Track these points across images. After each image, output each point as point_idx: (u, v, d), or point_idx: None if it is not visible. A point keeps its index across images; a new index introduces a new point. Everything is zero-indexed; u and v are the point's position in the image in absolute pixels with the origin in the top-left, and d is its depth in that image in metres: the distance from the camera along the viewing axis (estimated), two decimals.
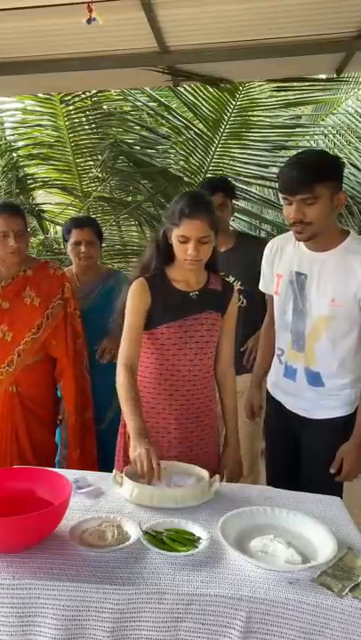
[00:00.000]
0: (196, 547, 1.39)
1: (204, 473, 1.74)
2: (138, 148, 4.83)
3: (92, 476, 1.79)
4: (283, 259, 2.08)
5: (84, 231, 2.78)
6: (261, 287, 2.22)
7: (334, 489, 1.94)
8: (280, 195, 1.92)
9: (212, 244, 1.91)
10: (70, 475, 1.69)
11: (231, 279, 2.62)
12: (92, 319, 2.78)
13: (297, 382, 2.04)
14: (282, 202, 1.93)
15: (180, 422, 1.98)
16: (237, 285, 2.67)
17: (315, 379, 2.00)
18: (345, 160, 4.75)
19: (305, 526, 1.51)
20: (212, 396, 2.06)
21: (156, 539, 1.41)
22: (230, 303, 2.04)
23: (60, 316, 2.32)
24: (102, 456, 2.88)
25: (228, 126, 4.55)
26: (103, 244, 4.98)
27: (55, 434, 2.36)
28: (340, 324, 1.92)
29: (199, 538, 1.42)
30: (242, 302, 2.63)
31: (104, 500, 1.65)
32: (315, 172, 1.80)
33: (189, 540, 1.42)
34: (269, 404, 2.24)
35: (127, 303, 1.98)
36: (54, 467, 2.26)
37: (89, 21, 2.14)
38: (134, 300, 1.96)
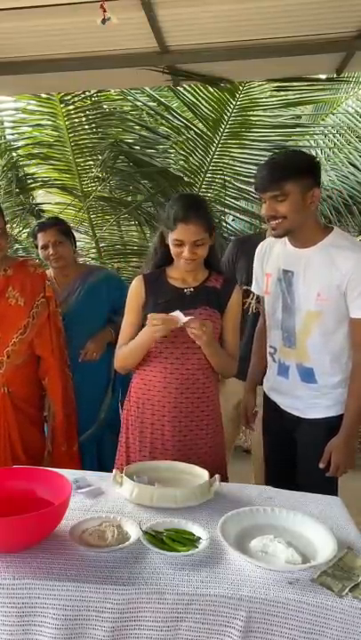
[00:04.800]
0: (196, 547, 1.39)
1: (204, 473, 1.74)
2: (138, 147, 4.83)
3: (92, 476, 1.79)
4: (271, 258, 2.13)
5: (48, 233, 2.74)
6: (254, 289, 2.27)
7: (329, 487, 1.95)
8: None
9: (208, 245, 1.96)
10: (70, 475, 1.69)
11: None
12: (74, 320, 2.74)
13: (290, 379, 2.06)
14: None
15: (176, 419, 1.98)
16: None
17: (308, 375, 2.02)
18: (345, 160, 4.77)
19: (305, 526, 1.51)
20: (211, 392, 2.04)
21: (156, 539, 1.41)
22: (231, 299, 2.04)
23: (44, 315, 2.31)
24: (102, 456, 2.90)
25: (228, 126, 4.55)
26: (103, 244, 5.04)
27: (44, 431, 2.36)
28: (329, 319, 1.95)
29: (199, 538, 1.43)
30: (256, 309, 2.59)
31: (104, 500, 1.65)
32: (283, 170, 1.89)
33: (189, 540, 1.42)
34: (267, 405, 2.25)
35: (127, 299, 2.07)
36: (42, 465, 2.27)
37: (104, 21, 2.14)
38: (130, 297, 2.06)
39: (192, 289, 2.01)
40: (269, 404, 2.21)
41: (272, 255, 2.14)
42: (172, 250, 1.95)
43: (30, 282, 2.30)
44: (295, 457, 2.10)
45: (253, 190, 4.77)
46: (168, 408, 1.98)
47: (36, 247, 2.82)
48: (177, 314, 1.86)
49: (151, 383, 2.01)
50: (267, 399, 2.24)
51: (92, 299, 2.81)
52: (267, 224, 2.02)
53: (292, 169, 1.89)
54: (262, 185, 1.91)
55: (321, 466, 1.97)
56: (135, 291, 2.04)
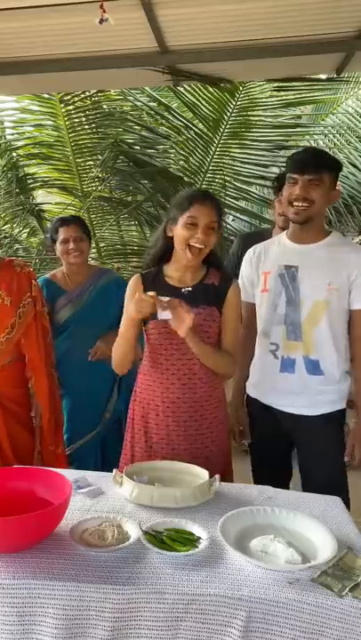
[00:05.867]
0: (196, 547, 1.39)
1: (204, 473, 1.74)
2: (138, 147, 4.83)
3: (92, 476, 1.79)
4: (268, 258, 2.17)
5: (71, 228, 2.78)
6: (244, 298, 2.17)
7: (338, 484, 1.98)
8: (287, 177, 2.04)
9: (215, 239, 1.96)
10: (70, 475, 1.70)
11: None
12: (84, 319, 2.77)
13: (296, 374, 2.06)
14: (285, 187, 2.07)
15: (181, 418, 1.97)
16: None
17: (314, 367, 2.04)
18: (345, 160, 4.77)
19: (305, 526, 1.51)
20: (215, 391, 2.02)
21: (156, 538, 1.41)
22: (228, 295, 2.00)
23: (30, 314, 2.30)
24: (103, 456, 2.91)
25: (228, 126, 4.55)
26: (103, 244, 5.04)
27: (33, 431, 2.36)
28: (336, 309, 2.02)
29: (199, 538, 1.42)
30: None
31: (104, 500, 1.65)
32: (323, 158, 2.03)
33: (189, 540, 1.42)
34: (252, 409, 2.24)
35: (125, 297, 2.05)
36: (33, 464, 2.26)
37: (101, 21, 2.13)
38: (128, 295, 2.03)
39: (190, 288, 1.99)
40: (256, 408, 2.19)
41: (269, 255, 2.17)
42: (182, 235, 1.91)
43: (17, 281, 2.29)
44: (286, 458, 2.14)
45: (253, 190, 4.79)
46: (172, 408, 1.97)
47: (53, 242, 2.83)
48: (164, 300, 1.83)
49: (155, 383, 1.99)
50: (253, 402, 2.22)
51: (102, 299, 2.83)
52: (286, 208, 2.07)
53: (331, 161, 2.04)
54: (303, 166, 1.98)
55: (346, 459, 2.02)
56: (132, 289, 2.02)
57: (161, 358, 1.98)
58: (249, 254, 2.26)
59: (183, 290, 1.98)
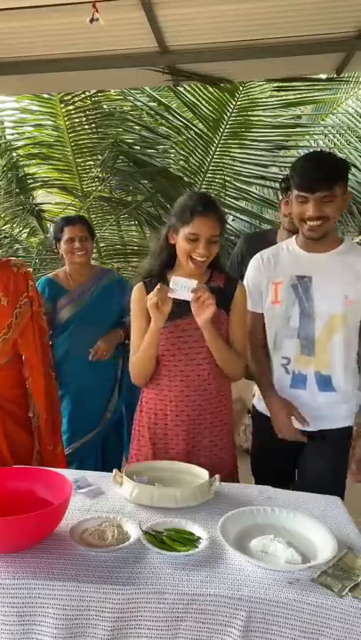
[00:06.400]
0: (196, 547, 1.39)
1: (204, 473, 1.74)
2: (138, 147, 4.83)
3: (92, 476, 1.79)
4: (279, 267, 2.05)
5: (76, 227, 2.78)
6: (250, 307, 2.08)
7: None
8: (295, 192, 1.90)
9: (218, 248, 1.90)
10: (70, 475, 1.69)
11: None
12: (85, 319, 2.78)
13: (307, 390, 1.98)
14: (293, 200, 1.92)
15: (190, 426, 1.94)
16: None
17: (326, 384, 1.96)
18: None
19: (305, 526, 1.51)
20: (223, 400, 1.99)
21: (156, 538, 1.41)
22: (235, 297, 1.96)
23: (27, 315, 2.30)
24: (103, 456, 2.91)
25: (228, 126, 4.56)
26: (103, 244, 5.04)
27: (31, 431, 2.37)
28: (351, 323, 1.94)
29: (199, 538, 1.42)
30: None
31: (104, 500, 1.65)
32: (334, 171, 1.85)
33: (189, 540, 1.41)
34: (258, 423, 2.18)
35: (131, 305, 2.00)
36: (31, 464, 2.26)
37: (91, 21, 2.12)
38: (134, 305, 1.99)
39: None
40: (263, 423, 2.09)
41: (279, 264, 2.05)
42: (183, 247, 1.86)
43: (14, 281, 2.28)
44: (290, 472, 2.08)
45: (253, 190, 4.78)
46: (181, 417, 1.94)
47: (57, 241, 2.84)
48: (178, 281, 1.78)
49: (162, 392, 1.95)
50: (257, 417, 2.16)
51: (104, 299, 2.84)
52: (299, 223, 1.93)
53: (340, 170, 1.87)
54: (312, 185, 1.83)
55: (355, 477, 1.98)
56: (137, 297, 1.97)
57: (170, 365, 1.93)
58: (256, 261, 2.12)
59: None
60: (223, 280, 1.99)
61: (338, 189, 1.84)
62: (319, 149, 1.96)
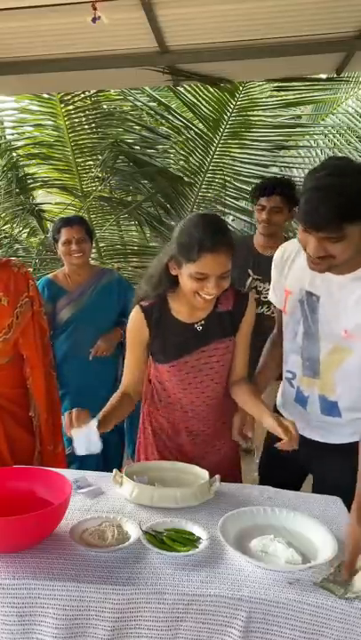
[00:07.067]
0: (196, 547, 1.39)
1: (204, 473, 1.74)
2: (138, 147, 4.84)
3: (92, 476, 1.79)
4: (292, 272, 1.81)
5: (74, 229, 2.78)
6: (271, 298, 1.94)
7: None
8: (297, 221, 1.62)
9: (229, 280, 1.69)
10: (70, 475, 1.69)
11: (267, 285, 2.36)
12: (85, 319, 2.79)
13: (308, 411, 1.81)
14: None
15: (194, 447, 1.93)
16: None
17: (330, 409, 1.77)
18: None
19: (305, 526, 1.51)
20: (226, 419, 1.95)
21: (156, 539, 1.41)
22: (245, 317, 1.82)
23: (28, 315, 2.30)
24: (103, 456, 2.91)
25: (228, 126, 4.55)
26: (103, 244, 5.04)
27: (32, 431, 2.37)
28: (359, 354, 1.68)
29: (199, 538, 1.42)
30: (271, 312, 2.50)
31: (104, 500, 1.65)
32: (345, 209, 1.44)
33: (189, 540, 1.41)
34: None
35: (127, 333, 1.88)
36: (32, 464, 2.27)
37: (94, 20, 2.13)
38: (131, 333, 1.84)
39: (203, 322, 1.78)
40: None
41: (294, 268, 1.80)
42: (189, 284, 1.64)
43: (14, 281, 2.28)
44: (297, 481, 1.99)
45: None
46: (185, 433, 1.92)
47: (55, 242, 2.83)
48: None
49: (173, 418, 1.92)
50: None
51: (103, 299, 2.84)
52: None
53: (356, 206, 1.44)
54: (316, 223, 1.47)
55: None
56: (135, 325, 1.80)
57: (181, 398, 1.88)
58: (278, 256, 1.88)
59: (196, 325, 1.79)
60: (232, 299, 1.80)
61: (350, 229, 1.45)
62: (332, 165, 1.51)
